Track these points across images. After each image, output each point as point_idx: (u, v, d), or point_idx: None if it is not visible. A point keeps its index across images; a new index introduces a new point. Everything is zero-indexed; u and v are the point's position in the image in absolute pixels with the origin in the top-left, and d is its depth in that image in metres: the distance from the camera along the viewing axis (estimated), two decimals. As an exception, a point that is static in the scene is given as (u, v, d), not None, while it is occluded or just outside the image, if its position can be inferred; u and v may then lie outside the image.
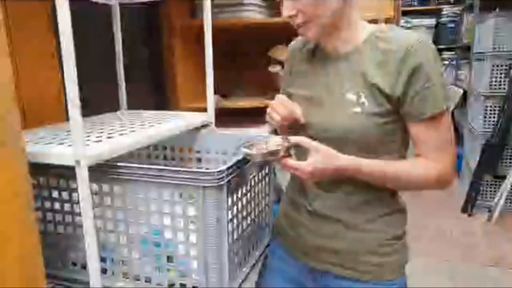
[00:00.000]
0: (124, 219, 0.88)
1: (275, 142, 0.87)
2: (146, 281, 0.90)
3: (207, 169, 1.24)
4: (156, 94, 2.08)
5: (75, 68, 0.72)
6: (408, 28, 4.21)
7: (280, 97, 0.92)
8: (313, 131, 0.90)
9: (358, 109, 0.84)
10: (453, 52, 4.57)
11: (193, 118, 1.21)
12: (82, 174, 0.76)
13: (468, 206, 3.12)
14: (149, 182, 0.83)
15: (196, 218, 0.82)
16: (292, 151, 0.87)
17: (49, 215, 0.94)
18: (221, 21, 2.01)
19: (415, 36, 0.82)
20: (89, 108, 1.34)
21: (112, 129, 1.00)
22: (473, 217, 3.07)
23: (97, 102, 1.36)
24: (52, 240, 0.95)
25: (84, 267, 0.92)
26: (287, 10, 0.86)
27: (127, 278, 0.91)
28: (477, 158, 3.16)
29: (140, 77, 1.95)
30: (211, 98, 1.28)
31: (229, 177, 0.82)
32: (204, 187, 0.80)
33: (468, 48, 3.74)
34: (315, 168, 0.81)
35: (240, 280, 0.95)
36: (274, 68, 2.21)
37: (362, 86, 0.84)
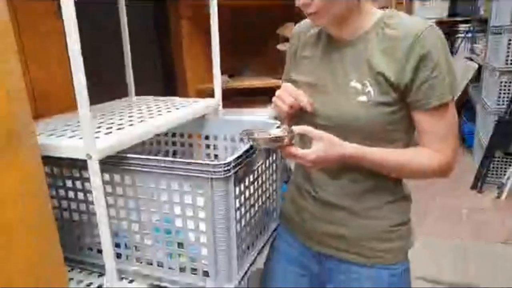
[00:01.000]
0: (136, 208, 0.91)
1: (279, 131, 0.88)
2: (158, 266, 0.94)
3: (215, 156, 1.27)
4: (164, 76, 2.09)
5: (81, 61, 0.73)
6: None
7: (286, 86, 0.93)
8: (317, 119, 0.91)
9: (363, 98, 0.84)
10: (469, 25, 4.44)
11: (201, 105, 1.23)
12: (94, 167, 0.79)
13: (478, 183, 3.12)
14: (159, 174, 0.86)
15: (205, 207, 0.85)
16: (296, 140, 0.88)
17: (64, 203, 0.98)
18: (229, 2, 1.99)
19: (423, 23, 0.81)
20: (98, 94, 1.37)
21: (121, 119, 1.02)
22: (483, 194, 3.07)
23: (106, 87, 1.37)
24: (68, 226, 0.99)
25: (99, 251, 0.96)
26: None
27: (141, 262, 0.95)
28: (489, 135, 3.13)
29: (148, 59, 1.96)
30: (218, 83, 1.29)
31: (236, 168, 0.84)
32: (212, 178, 0.82)
33: (485, 21, 3.63)
34: (318, 156, 0.82)
35: (248, 264, 0.99)
36: (283, 46, 2.20)
37: (367, 75, 0.84)
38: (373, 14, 0.88)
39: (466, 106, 3.99)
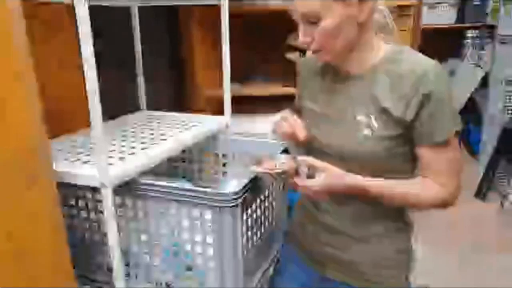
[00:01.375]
0: (146, 230, 0.95)
1: (285, 160, 0.91)
2: (167, 285, 0.98)
3: (224, 173, 1.30)
4: (175, 81, 2.10)
5: (96, 86, 0.76)
6: (431, 5, 4.06)
7: (284, 115, 0.96)
8: (322, 147, 0.94)
9: (368, 132, 0.86)
10: (477, 31, 4.42)
11: (211, 125, 1.25)
12: (107, 195, 0.82)
13: (482, 191, 3.13)
14: (169, 199, 0.89)
15: (213, 232, 0.88)
16: (304, 169, 0.91)
17: (76, 221, 1.01)
18: (240, 8, 2.02)
19: (428, 62, 0.83)
20: (109, 103, 1.40)
21: (133, 141, 1.05)
22: (486, 203, 3.08)
23: (116, 98, 1.40)
24: (79, 245, 1.02)
25: (110, 269, 1.00)
26: (302, 37, 0.87)
27: (149, 282, 0.99)
28: (495, 143, 3.13)
29: (159, 63, 1.97)
30: (228, 101, 1.32)
31: (243, 196, 0.87)
32: (220, 207, 0.85)
33: (492, 27, 3.62)
34: (321, 187, 0.85)
35: (254, 285, 1.02)
36: (293, 55, 2.22)
37: (373, 110, 0.86)
38: (381, 49, 0.90)
39: (472, 113, 3.98)
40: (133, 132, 1.14)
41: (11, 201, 0.63)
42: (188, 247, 0.93)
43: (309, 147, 1.01)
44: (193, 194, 0.86)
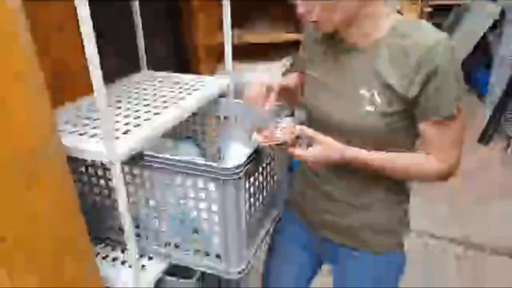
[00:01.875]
0: (153, 198, 1.00)
1: (286, 125, 0.94)
2: (175, 247, 1.05)
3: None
4: (173, 29, 2.05)
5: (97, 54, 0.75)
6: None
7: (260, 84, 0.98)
8: (321, 118, 0.96)
9: (370, 108, 0.87)
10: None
11: (214, 85, 1.25)
12: (115, 170, 0.85)
13: (486, 136, 3.14)
14: (174, 171, 0.92)
15: (218, 202, 0.93)
16: (303, 139, 0.93)
17: (86, 188, 1.06)
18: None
19: (435, 35, 0.81)
20: (109, 65, 1.39)
21: (137, 110, 1.06)
22: (490, 148, 3.11)
23: (117, 58, 1.39)
24: (92, 207, 1.08)
25: (121, 229, 1.07)
26: (300, 8, 0.85)
27: (159, 243, 1.06)
28: (504, 86, 3.09)
29: (158, 13, 1.92)
30: (229, 62, 1.30)
31: (245, 168, 0.90)
32: (223, 180, 0.88)
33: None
34: (317, 158, 0.88)
35: (256, 246, 1.09)
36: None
37: (376, 85, 0.86)
38: (387, 18, 0.87)
39: (483, 54, 3.87)
40: (136, 97, 1.15)
41: (10, 202, 0.65)
42: (194, 213, 0.98)
43: (309, 115, 1.02)
44: (196, 167, 0.89)
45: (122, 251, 1.10)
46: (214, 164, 0.88)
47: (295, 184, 1.16)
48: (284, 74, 2.11)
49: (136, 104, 1.10)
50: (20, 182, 0.65)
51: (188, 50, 2.10)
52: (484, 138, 3.15)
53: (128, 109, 1.07)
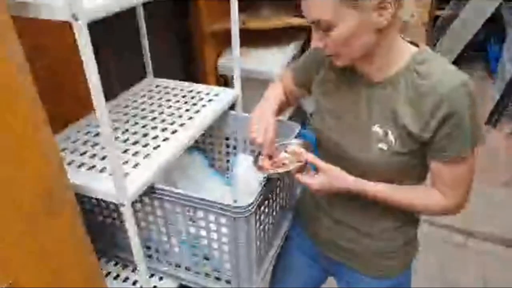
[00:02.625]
0: (164, 224, 1.00)
1: (293, 152, 0.97)
2: (186, 269, 1.06)
3: (234, 147, 1.30)
4: (178, 17, 1.97)
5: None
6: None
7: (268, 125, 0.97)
8: (328, 144, 0.95)
9: (383, 146, 0.85)
10: None
11: (225, 97, 1.22)
12: (126, 211, 0.85)
13: (494, 118, 3.10)
14: (185, 204, 0.92)
15: (229, 235, 0.93)
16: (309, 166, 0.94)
17: (97, 208, 1.06)
18: None
19: (455, 78, 0.78)
20: (114, 73, 1.35)
21: (146, 132, 1.04)
22: (497, 130, 3.07)
23: (122, 65, 1.35)
24: (102, 225, 1.08)
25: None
26: (315, 42, 0.81)
27: (170, 264, 1.07)
28: (515, 66, 3.01)
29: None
30: (238, 75, 1.26)
31: (257, 203, 0.90)
32: (235, 218, 0.88)
33: None
34: (322, 187, 0.90)
35: (267, 264, 1.10)
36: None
37: (391, 124, 0.84)
38: (405, 51, 0.83)
39: (496, 28, 3.74)
40: (143, 116, 1.12)
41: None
42: (204, 241, 0.98)
43: (319, 141, 1.00)
44: (208, 203, 0.89)
45: (133, 271, 1.11)
46: (226, 203, 0.87)
47: (305, 202, 1.16)
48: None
49: (144, 126, 1.07)
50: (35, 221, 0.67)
51: (194, 38, 2.03)
52: (491, 120, 3.11)
53: (136, 132, 1.05)
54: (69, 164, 0.94)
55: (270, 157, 0.98)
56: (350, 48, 0.80)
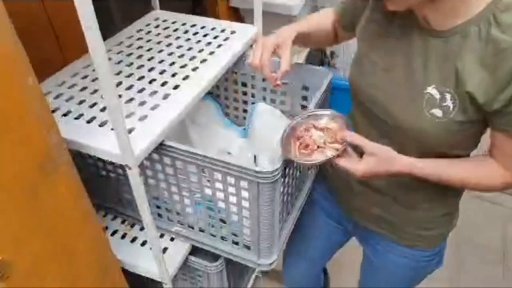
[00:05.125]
0: (177, 183, 0.88)
1: (326, 130, 0.79)
2: (200, 231, 0.96)
3: (252, 95, 1.15)
4: None
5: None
6: None
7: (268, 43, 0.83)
8: (367, 104, 0.80)
9: (438, 113, 0.69)
10: None
11: (244, 35, 1.04)
12: (133, 175, 0.72)
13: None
14: (200, 165, 0.79)
15: (250, 199, 0.81)
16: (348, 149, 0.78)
17: (100, 163, 0.94)
18: None
19: None
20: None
21: (153, 77, 0.89)
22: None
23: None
24: (108, 182, 0.97)
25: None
26: None
27: (182, 224, 0.97)
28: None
29: None
30: (259, 4, 1.07)
31: (282, 169, 0.78)
32: (259, 183, 0.76)
33: None
34: (367, 172, 0.74)
35: (286, 234, 1.00)
36: None
37: (451, 85, 0.68)
38: None
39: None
40: (150, 56, 0.96)
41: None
42: (222, 204, 0.87)
43: (353, 97, 0.85)
44: (228, 166, 0.76)
45: (141, 229, 1.02)
46: (249, 167, 0.75)
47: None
48: None
49: (151, 69, 0.91)
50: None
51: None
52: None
53: (143, 77, 0.89)
54: (65, 115, 0.80)
55: (298, 137, 0.81)
56: None
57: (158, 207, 0.97)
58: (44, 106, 0.58)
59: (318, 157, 0.76)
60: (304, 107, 1.09)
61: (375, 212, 0.92)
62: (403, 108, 0.73)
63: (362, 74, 0.81)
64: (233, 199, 0.84)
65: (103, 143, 0.73)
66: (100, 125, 0.77)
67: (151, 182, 0.91)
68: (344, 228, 1.07)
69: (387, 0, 0.66)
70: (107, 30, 0.99)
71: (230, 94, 1.18)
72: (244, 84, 1.13)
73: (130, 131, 0.74)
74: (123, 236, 1.00)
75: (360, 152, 0.75)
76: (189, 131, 1.13)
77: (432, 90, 0.69)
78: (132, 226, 1.03)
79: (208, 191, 0.86)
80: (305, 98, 1.07)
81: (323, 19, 0.95)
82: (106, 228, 1.01)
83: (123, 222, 1.04)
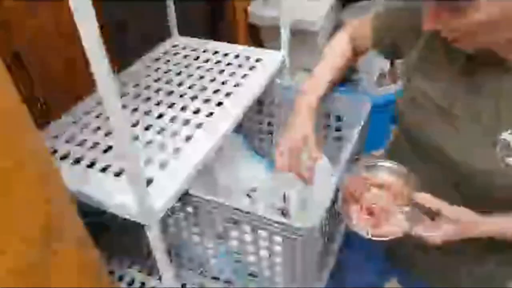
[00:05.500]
0: (199, 234, 0.78)
1: (387, 188, 0.68)
2: (225, 282, 0.86)
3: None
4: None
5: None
6: None
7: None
8: (426, 149, 0.69)
9: None
10: None
11: (271, 61, 0.95)
12: (152, 231, 0.63)
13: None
14: (228, 217, 0.70)
15: (283, 255, 0.71)
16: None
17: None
18: None
19: None
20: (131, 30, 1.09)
21: (173, 114, 0.80)
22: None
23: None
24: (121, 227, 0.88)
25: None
26: (431, 19, 0.54)
27: (205, 277, 0.88)
28: None
29: None
30: (287, 29, 0.98)
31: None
32: (296, 238, 0.66)
33: None
34: (446, 240, 0.64)
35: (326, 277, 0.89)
36: None
37: None
38: None
39: None
40: (170, 89, 0.87)
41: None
42: (251, 257, 0.77)
43: (404, 133, 0.75)
44: (261, 220, 0.66)
45: (159, 279, 0.92)
46: (286, 221, 0.65)
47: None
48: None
49: (171, 106, 0.83)
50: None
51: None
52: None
53: (162, 115, 0.80)
54: (77, 162, 0.71)
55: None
56: (488, 37, 0.53)
57: (177, 254, 0.87)
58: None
59: (393, 231, 0.65)
60: (338, 139, 0.99)
61: (425, 259, 0.81)
62: (469, 156, 0.63)
63: (414, 112, 0.70)
64: (264, 252, 0.74)
65: (117, 198, 0.64)
66: (116, 175, 0.68)
67: (172, 231, 0.82)
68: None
69: (451, 38, 0.56)
70: (123, 57, 0.92)
71: (254, 125, 1.09)
72: (269, 114, 1.04)
73: (149, 182, 0.65)
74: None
75: (424, 211, 0.64)
76: (212, 166, 1.03)
77: (507, 135, 0.59)
78: (149, 274, 0.93)
79: (235, 243, 0.76)
80: (338, 129, 0.97)
81: (339, 55, 0.83)
82: (121, 278, 0.92)
83: (140, 271, 0.94)
